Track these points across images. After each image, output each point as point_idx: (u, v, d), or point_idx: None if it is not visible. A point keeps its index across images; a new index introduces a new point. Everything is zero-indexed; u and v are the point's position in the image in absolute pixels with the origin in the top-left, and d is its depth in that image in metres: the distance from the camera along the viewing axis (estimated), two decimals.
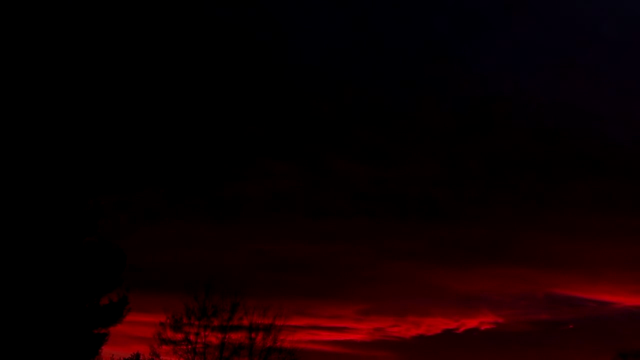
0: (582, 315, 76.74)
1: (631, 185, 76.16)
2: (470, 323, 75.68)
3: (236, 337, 53.59)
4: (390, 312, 75.97)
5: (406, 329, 74.93)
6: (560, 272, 77.27)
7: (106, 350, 42.80)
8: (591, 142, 76.50)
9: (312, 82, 72.08)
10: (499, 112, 76.54)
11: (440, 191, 77.37)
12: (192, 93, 65.08)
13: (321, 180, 75.10)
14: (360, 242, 76.20)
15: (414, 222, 76.29)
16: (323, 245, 75.35)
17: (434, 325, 75.55)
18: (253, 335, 53.67)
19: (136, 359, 50.96)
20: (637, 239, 75.55)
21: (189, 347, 52.88)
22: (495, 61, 77.20)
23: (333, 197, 75.61)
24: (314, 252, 75.66)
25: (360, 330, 74.58)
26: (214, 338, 53.28)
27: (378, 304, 76.12)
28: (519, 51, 77.41)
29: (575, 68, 77.50)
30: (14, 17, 38.52)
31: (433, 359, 74.73)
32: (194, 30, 61.40)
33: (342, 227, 75.52)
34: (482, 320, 75.77)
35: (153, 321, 53.01)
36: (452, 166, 77.10)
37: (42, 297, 38.80)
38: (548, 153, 77.02)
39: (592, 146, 76.41)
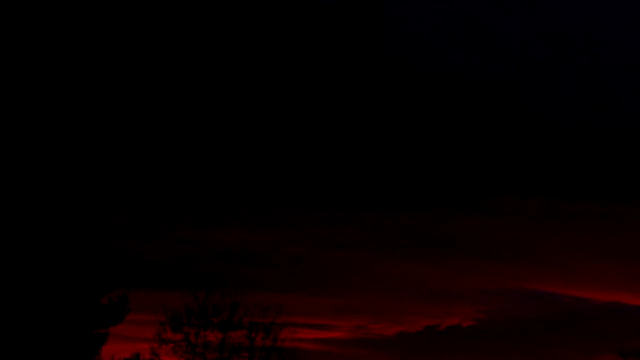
0: (560, 311, 76.49)
1: (570, 166, 75.75)
2: (451, 320, 75.01)
3: (236, 336, 53.65)
4: (366, 308, 74.95)
5: (387, 326, 74.02)
6: (525, 265, 76.78)
7: (106, 350, 42.87)
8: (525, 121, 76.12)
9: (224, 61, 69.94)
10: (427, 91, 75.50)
11: (369, 177, 75.92)
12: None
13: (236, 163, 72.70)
14: (292, 232, 74.56)
15: (340, 210, 74.70)
16: (257, 234, 73.24)
17: (415, 322, 74.69)
18: (253, 334, 53.69)
19: (136, 359, 51.02)
20: (592, 225, 75.34)
21: (189, 347, 52.90)
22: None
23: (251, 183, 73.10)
24: (252, 240, 73.57)
25: (341, 327, 73.51)
26: (213, 338, 53.33)
27: (350, 300, 74.95)
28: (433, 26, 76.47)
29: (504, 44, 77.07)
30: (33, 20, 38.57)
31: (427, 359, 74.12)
32: None
33: (268, 215, 73.63)
34: (462, 317, 75.20)
35: (153, 321, 53.10)
36: (375, 151, 75.46)
37: (42, 297, 38.79)
38: (484, 133, 76.11)
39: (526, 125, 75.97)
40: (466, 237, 76.44)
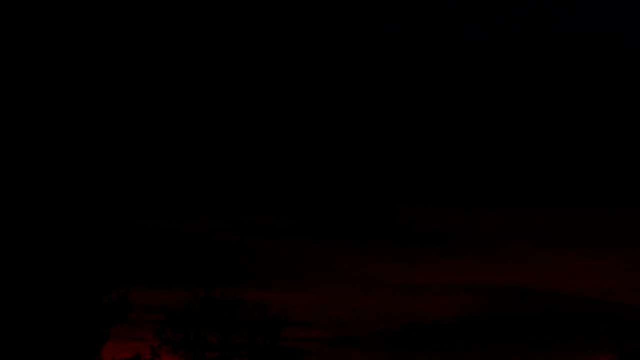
0: (543, 308, 76.00)
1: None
2: (432, 316, 74.40)
3: (236, 336, 53.67)
4: (344, 303, 73.90)
5: (368, 323, 73.18)
6: (500, 260, 76.18)
7: (106, 350, 42.85)
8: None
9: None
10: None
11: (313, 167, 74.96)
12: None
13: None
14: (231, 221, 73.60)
15: (279, 199, 73.52)
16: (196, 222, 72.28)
17: (396, 318, 73.93)
18: (253, 334, 53.74)
19: (136, 359, 51.01)
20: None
21: (189, 347, 52.93)
22: None
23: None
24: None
25: (320, 325, 72.45)
26: (213, 338, 53.34)
27: (325, 294, 73.71)
28: None
29: None
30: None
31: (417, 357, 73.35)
32: None
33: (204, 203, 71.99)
34: (444, 314, 74.64)
35: (153, 321, 53.14)
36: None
37: (43, 297, 38.81)
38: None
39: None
40: (437, 232, 76.07)
